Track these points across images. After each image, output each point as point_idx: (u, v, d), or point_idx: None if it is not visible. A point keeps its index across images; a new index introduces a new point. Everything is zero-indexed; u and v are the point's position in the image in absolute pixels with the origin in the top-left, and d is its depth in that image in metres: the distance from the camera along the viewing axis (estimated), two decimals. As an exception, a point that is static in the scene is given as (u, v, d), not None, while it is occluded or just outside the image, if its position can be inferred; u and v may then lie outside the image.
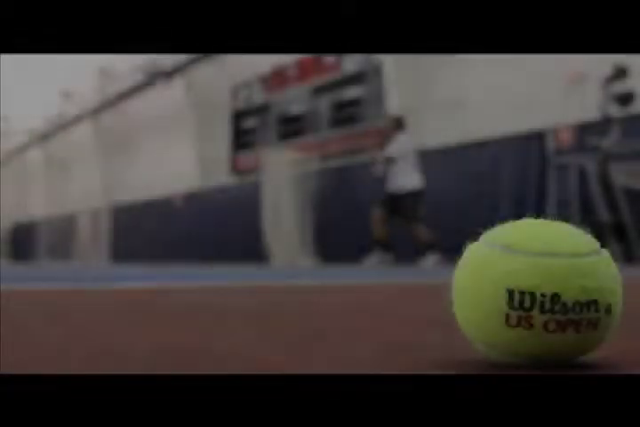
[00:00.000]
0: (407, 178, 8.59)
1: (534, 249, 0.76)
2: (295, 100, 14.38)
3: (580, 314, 0.74)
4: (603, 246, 0.80)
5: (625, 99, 7.57)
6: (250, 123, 15.79)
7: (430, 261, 8.48)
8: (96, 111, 20.80)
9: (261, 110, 15.36)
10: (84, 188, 21.43)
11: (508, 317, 0.75)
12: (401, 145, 8.64)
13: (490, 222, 0.85)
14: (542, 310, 0.73)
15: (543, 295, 0.73)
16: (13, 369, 0.81)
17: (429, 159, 10.19)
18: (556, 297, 0.73)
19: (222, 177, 16.12)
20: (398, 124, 8.78)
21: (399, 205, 8.55)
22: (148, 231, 17.57)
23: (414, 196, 8.56)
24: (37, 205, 25.62)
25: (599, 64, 7.93)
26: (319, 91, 13.78)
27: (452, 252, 0.95)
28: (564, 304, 0.73)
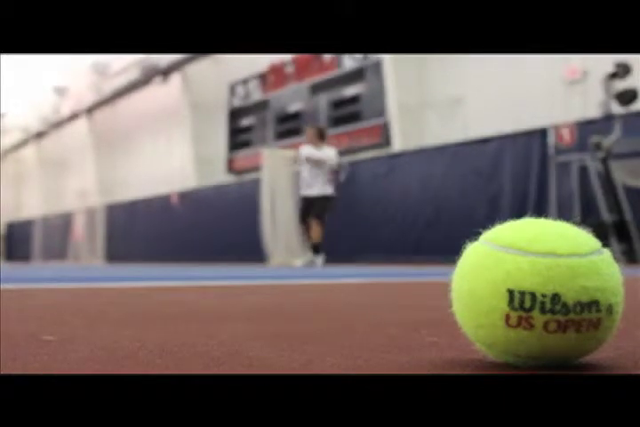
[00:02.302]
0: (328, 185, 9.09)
1: (535, 249, 0.75)
2: (293, 97, 14.32)
3: (581, 314, 0.73)
4: (604, 246, 0.79)
5: (626, 97, 7.50)
6: (247, 121, 15.72)
7: (320, 261, 9.08)
8: (91, 109, 20.65)
9: (259, 108, 15.28)
10: (79, 186, 21.31)
11: (508, 317, 0.74)
12: (333, 154, 9.05)
13: (490, 221, 0.84)
14: (543, 311, 0.73)
15: (544, 295, 0.73)
16: (13, 369, 0.81)
17: (430, 157, 10.16)
18: (556, 297, 0.73)
19: (219, 176, 16.06)
20: (321, 135, 9.16)
21: (316, 205, 9.06)
22: (144, 231, 17.51)
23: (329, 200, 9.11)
24: (32, 204, 25.43)
25: (601, 62, 7.90)
26: (317, 88, 13.72)
27: (452, 251, 0.94)
28: (565, 304, 0.73)
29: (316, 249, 8.95)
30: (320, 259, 8.93)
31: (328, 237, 11.81)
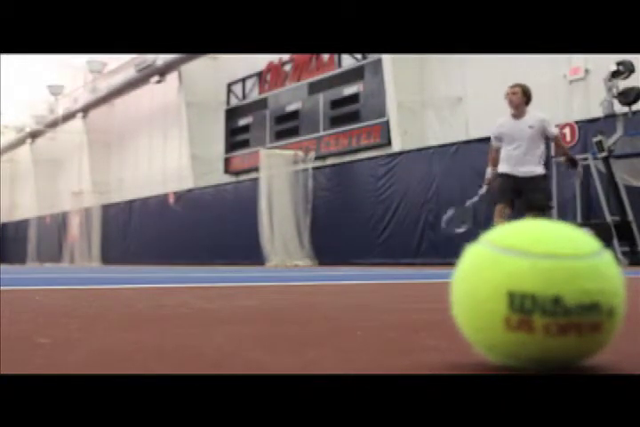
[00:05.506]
0: None
1: (535, 251, 0.74)
2: (291, 97, 14.27)
3: (582, 317, 0.72)
4: (607, 247, 0.78)
5: (630, 96, 7.43)
6: (245, 121, 15.66)
7: None
8: (87, 108, 20.45)
9: (257, 108, 15.23)
10: (74, 186, 21.19)
11: (508, 320, 0.73)
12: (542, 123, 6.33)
13: (491, 222, 0.84)
14: (543, 313, 0.72)
15: (544, 298, 0.72)
16: (13, 369, 0.80)
17: (430, 157, 10.15)
18: (557, 300, 0.72)
19: (217, 176, 16.01)
20: (528, 97, 6.38)
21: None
22: (140, 231, 17.46)
23: None
24: (26, 205, 25.22)
25: (603, 60, 7.86)
26: (316, 88, 13.66)
27: (453, 252, 0.94)
28: (566, 307, 0.72)
29: None
30: None
31: (327, 238, 11.80)
